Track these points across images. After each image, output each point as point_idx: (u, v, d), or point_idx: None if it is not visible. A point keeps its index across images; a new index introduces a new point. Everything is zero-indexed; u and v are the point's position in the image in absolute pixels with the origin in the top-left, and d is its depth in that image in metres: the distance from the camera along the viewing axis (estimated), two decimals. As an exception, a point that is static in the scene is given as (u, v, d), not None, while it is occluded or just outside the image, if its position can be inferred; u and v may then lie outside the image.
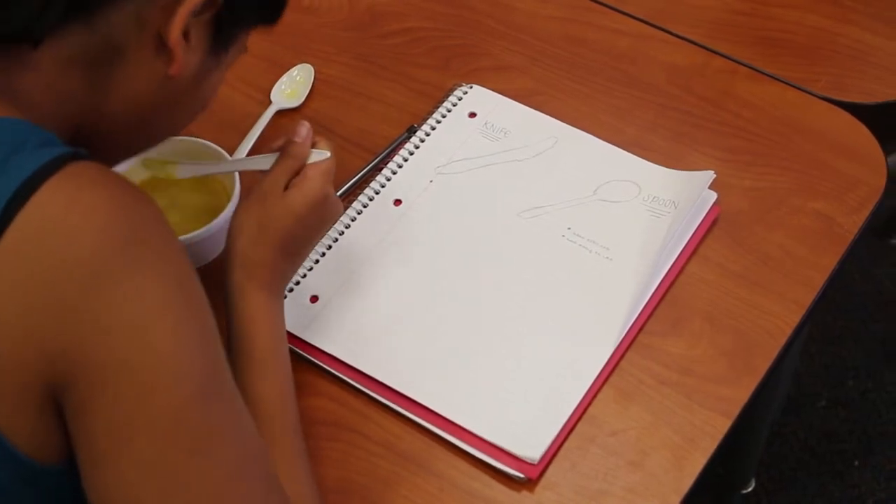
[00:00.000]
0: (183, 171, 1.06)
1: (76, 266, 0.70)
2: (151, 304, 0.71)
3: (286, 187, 0.96)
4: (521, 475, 0.96)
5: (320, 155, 0.98)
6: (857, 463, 1.88)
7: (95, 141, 0.82)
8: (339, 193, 1.14)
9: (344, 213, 1.11)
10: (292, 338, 1.03)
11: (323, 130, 1.20)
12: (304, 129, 0.99)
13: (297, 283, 1.07)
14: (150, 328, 0.71)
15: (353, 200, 1.13)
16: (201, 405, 0.73)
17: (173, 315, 0.72)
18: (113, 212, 0.71)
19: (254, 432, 0.78)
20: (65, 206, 0.70)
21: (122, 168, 1.08)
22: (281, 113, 1.23)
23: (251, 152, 1.18)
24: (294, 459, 0.90)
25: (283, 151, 0.98)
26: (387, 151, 1.17)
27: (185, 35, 0.79)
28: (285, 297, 1.05)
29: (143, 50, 0.78)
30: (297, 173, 0.97)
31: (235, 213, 0.97)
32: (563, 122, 1.20)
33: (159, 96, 0.82)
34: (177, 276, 0.73)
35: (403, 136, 1.18)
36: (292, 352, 1.03)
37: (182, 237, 1.03)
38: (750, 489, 1.83)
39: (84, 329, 0.70)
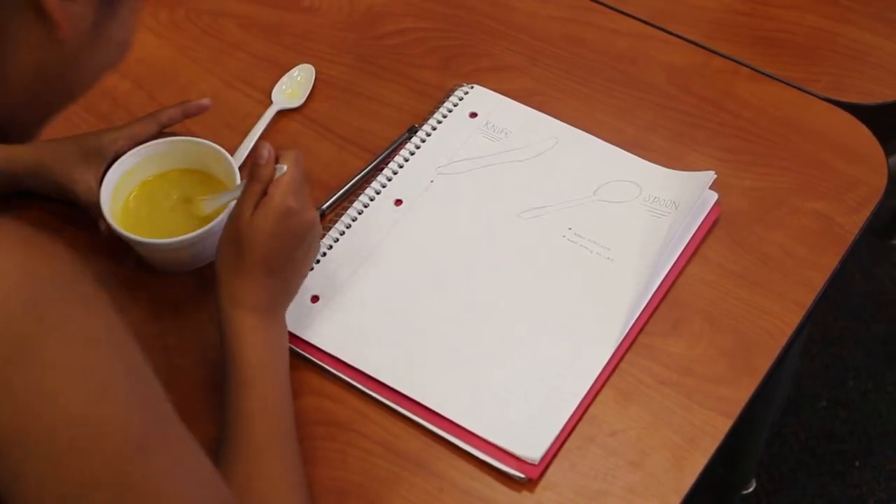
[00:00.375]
0: (208, 206, 1.06)
1: None
2: (64, 368, 0.69)
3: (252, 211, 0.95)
4: (522, 475, 0.96)
5: (280, 170, 0.96)
6: (857, 463, 1.88)
7: (8, 113, 0.79)
8: (339, 194, 1.14)
9: (345, 213, 1.12)
10: (293, 337, 1.03)
11: (323, 130, 1.21)
12: (265, 150, 0.96)
13: (298, 283, 1.07)
14: (65, 393, 0.69)
15: (354, 200, 1.13)
16: (140, 460, 0.71)
17: (90, 376, 0.70)
18: (17, 277, 0.68)
19: (209, 479, 0.77)
20: None
21: (122, 168, 1.08)
22: (282, 113, 1.23)
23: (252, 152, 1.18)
24: (276, 479, 0.89)
25: (248, 176, 0.97)
26: (387, 152, 1.17)
27: None
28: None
29: (24, 19, 0.74)
30: (263, 195, 0.96)
31: (217, 246, 0.97)
32: (563, 122, 1.20)
33: (57, 58, 0.77)
34: (93, 336, 0.71)
35: (404, 137, 1.18)
36: (292, 351, 1.03)
37: (183, 237, 1.03)
38: (750, 490, 1.83)
39: (3, 406, 0.68)
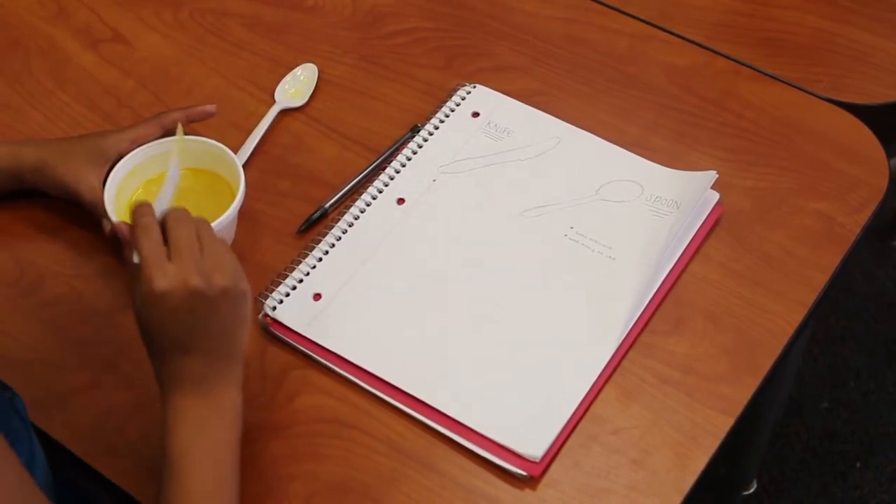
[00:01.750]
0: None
1: None
2: None
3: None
4: (524, 473, 0.96)
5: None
6: (859, 464, 1.88)
7: None
8: (342, 192, 1.15)
9: (347, 212, 1.12)
10: (295, 335, 1.04)
11: (326, 130, 1.22)
12: (142, 214, 0.90)
13: (301, 280, 1.07)
14: None
15: (357, 199, 1.13)
16: None
17: None
18: None
19: None
20: None
21: (127, 167, 1.09)
22: (285, 112, 1.23)
23: (255, 151, 1.19)
24: None
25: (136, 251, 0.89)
26: (390, 151, 1.18)
27: None
28: (288, 294, 1.06)
29: None
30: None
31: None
32: (565, 122, 1.20)
33: None
34: None
35: (407, 136, 1.19)
36: (295, 349, 1.03)
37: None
38: (752, 490, 1.83)
39: None
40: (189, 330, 0.87)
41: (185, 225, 0.89)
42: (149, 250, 0.87)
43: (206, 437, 0.88)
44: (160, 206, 0.93)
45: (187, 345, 0.88)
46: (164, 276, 0.86)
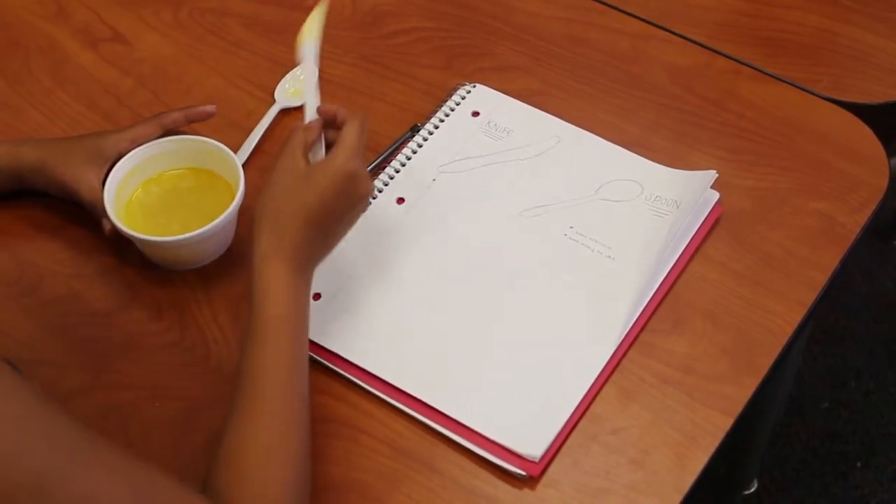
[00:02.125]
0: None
1: None
2: None
3: (307, 161, 0.98)
4: (523, 473, 0.96)
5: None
6: (859, 464, 1.88)
7: None
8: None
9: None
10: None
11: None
12: (332, 106, 1.02)
13: (300, 280, 1.07)
14: None
15: (356, 199, 1.13)
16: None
17: None
18: None
19: (128, 478, 0.76)
20: None
21: (127, 167, 1.09)
22: (285, 111, 1.23)
23: (255, 151, 1.18)
24: (263, 433, 0.88)
25: (297, 128, 1.00)
26: (390, 150, 1.18)
27: None
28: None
29: None
30: (311, 145, 0.99)
31: (260, 198, 0.98)
32: (566, 121, 1.20)
33: None
34: None
35: (407, 135, 1.19)
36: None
37: (187, 234, 1.04)
38: (752, 490, 1.83)
39: None
40: (336, 213, 0.98)
41: (363, 124, 1.00)
42: (357, 139, 0.98)
43: (299, 310, 0.95)
44: (311, 104, 1.04)
45: (321, 222, 0.97)
46: (358, 162, 0.98)
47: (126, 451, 0.78)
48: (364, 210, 1.02)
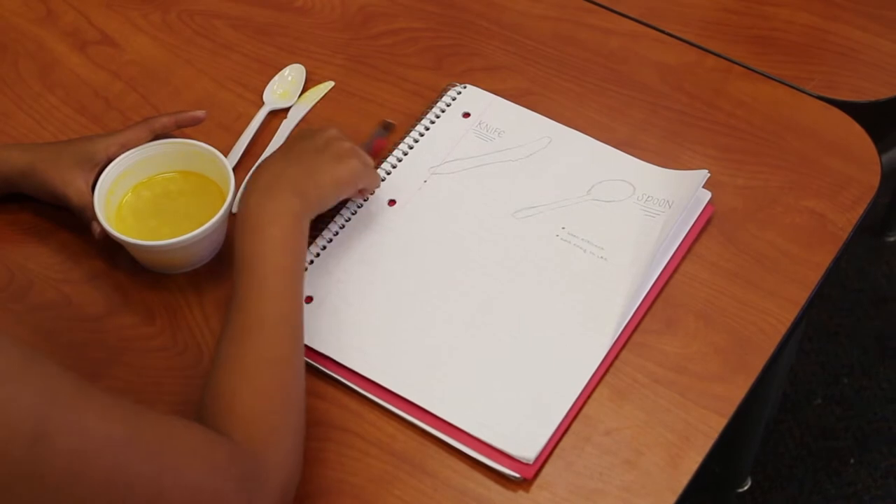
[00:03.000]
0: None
1: None
2: None
3: None
4: (517, 475, 0.96)
5: None
6: (852, 460, 1.88)
7: None
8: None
9: (338, 214, 1.12)
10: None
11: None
12: None
13: (291, 284, 1.07)
14: None
15: (348, 201, 1.13)
16: (44, 453, 0.73)
17: None
18: None
19: (124, 421, 0.78)
20: None
21: (116, 171, 1.08)
22: (274, 113, 1.23)
23: (245, 153, 1.18)
24: (257, 369, 0.90)
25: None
26: (365, 146, 1.16)
27: None
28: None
29: None
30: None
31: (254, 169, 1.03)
32: (556, 121, 1.20)
33: None
34: None
35: (378, 132, 1.18)
36: (287, 353, 1.03)
37: (178, 238, 1.03)
38: (746, 487, 1.84)
39: None
40: (294, 143, 1.06)
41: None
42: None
43: (297, 261, 0.98)
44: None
45: (293, 157, 1.03)
46: (326, 129, 1.08)
47: (118, 394, 0.80)
48: (345, 155, 1.06)
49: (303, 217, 1.00)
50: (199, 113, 1.15)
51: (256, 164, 1.09)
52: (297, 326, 0.95)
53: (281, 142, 1.20)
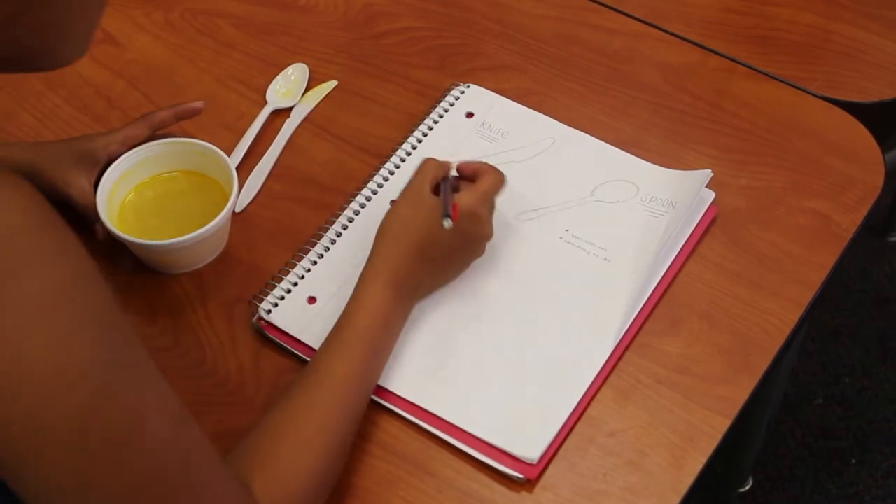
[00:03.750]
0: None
1: None
2: (31, 315, 0.68)
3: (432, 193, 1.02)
4: (520, 476, 0.95)
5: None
6: (854, 461, 1.88)
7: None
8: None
9: (342, 214, 1.12)
10: (290, 338, 1.03)
11: (318, 130, 1.21)
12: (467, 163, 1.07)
13: (296, 284, 1.07)
14: (32, 344, 0.68)
15: (352, 201, 1.13)
16: (103, 408, 0.71)
17: (58, 322, 0.69)
18: None
19: (174, 414, 0.77)
20: None
21: (119, 170, 1.08)
22: (276, 113, 1.22)
23: (248, 153, 1.18)
24: (306, 425, 0.90)
25: (431, 159, 1.05)
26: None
27: None
28: (283, 298, 1.05)
29: None
30: (437, 179, 1.03)
31: (387, 215, 1.02)
32: (560, 121, 1.19)
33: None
34: (62, 283, 0.69)
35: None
36: (289, 353, 1.03)
37: (181, 238, 1.03)
38: (747, 487, 1.83)
39: None
40: (450, 249, 1.02)
41: (498, 177, 1.06)
42: (490, 185, 1.04)
43: (388, 330, 0.98)
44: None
45: (428, 253, 1.00)
46: (486, 208, 1.03)
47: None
48: (479, 254, 1.06)
49: (411, 305, 1.02)
50: (198, 104, 1.15)
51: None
52: (358, 415, 0.95)
53: (284, 142, 1.19)
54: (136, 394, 0.74)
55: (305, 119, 1.22)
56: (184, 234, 1.03)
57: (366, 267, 1.00)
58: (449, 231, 0.98)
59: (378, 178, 1.15)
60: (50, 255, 0.69)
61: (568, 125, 1.19)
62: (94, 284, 0.72)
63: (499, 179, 1.05)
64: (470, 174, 1.06)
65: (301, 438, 0.89)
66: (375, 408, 1.00)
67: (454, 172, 1.06)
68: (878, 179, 1.15)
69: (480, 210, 1.02)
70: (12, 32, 0.72)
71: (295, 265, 1.08)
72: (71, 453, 0.71)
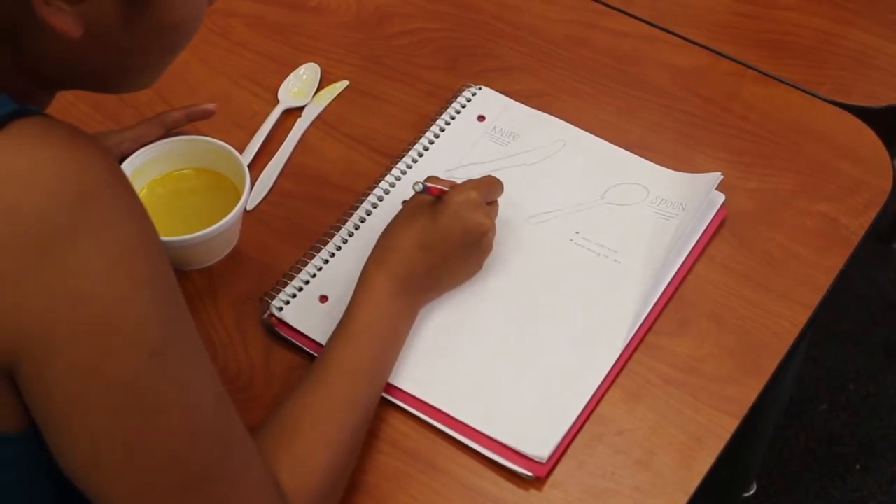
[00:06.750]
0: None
1: (19, 233, 0.67)
2: (99, 269, 0.69)
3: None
4: (529, 473, 0.96)
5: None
6: (858, 467, 1.88)
7: (76, 84, 0.81)
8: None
9: (354, 214, 1.12)
10: (301, 336, 1.04)
11: (330, 129, 1.22)
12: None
13: (307, 282, 1.07)
14: (98, 295, 0.69)
15: (363, 201, 1.13)
16: (155, 371, 0.72)
17: (123, 280, 0.70)
18: (59, 173, 0.68)
19: (218, 391, 0.78)
20: (5, 169, 0.68)
21: (131, 167, 1.08)
22: (288, 112, 1.23)
23: (260, 151, 1.19)
24: (322, 418, 0.90)
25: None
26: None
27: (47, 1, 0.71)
28: (294, 296, 1.06)
29: (36, 21, 0.72)
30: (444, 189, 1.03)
31: (398, 215, 1.03)
32: (570, 123, 1.20)
33: (93, 48, 0.76)
34: (129, 242, 0.71)
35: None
36: (301, 350, 1.03)
37: (193, 234, 1.04)
38: (752, 492, 1.84)
39: (31, 298, 0.68)
40: (449, 242, 1.01)
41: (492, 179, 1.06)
42: (482, 186, 1.04)
43: (391, 325, 0.99)
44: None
45: (429, 246, 1.00)
46: (477, 189, 1.03)
47: None
48: (485, 251, 1.06)
49: (417, 301, 1.03)
50: (210, 106, 1.15)
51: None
52: (370, 409, 0.96)
53: (295, 141, 1.20)
54: (186, 365, 0.75)
55: (317, 118, 1.23)
56: (195, 232, 1.04)
57: (367, 261, 1.01)
58: (443, 216, 1.00)
59: (390, 178, 1.15)
60: (122, 214, 0.71)
61: (578, 127, 1.19)
62: (157, 250, 0.74)
63: (488, 179, 1.06)
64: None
65: (318, 432, 0.89)
66: (385, 404, 1.01)
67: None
68: (887, 183, 1.15)
69: (471, 193, 1.02)
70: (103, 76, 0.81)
71: (306, 263, 1.08)
72: (120, 413, 0.72)
